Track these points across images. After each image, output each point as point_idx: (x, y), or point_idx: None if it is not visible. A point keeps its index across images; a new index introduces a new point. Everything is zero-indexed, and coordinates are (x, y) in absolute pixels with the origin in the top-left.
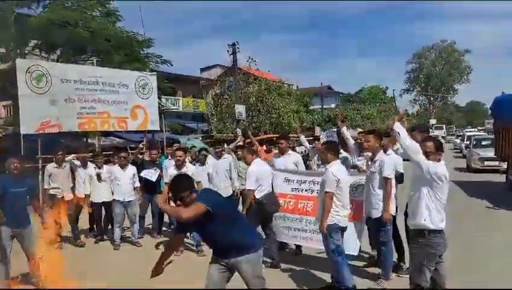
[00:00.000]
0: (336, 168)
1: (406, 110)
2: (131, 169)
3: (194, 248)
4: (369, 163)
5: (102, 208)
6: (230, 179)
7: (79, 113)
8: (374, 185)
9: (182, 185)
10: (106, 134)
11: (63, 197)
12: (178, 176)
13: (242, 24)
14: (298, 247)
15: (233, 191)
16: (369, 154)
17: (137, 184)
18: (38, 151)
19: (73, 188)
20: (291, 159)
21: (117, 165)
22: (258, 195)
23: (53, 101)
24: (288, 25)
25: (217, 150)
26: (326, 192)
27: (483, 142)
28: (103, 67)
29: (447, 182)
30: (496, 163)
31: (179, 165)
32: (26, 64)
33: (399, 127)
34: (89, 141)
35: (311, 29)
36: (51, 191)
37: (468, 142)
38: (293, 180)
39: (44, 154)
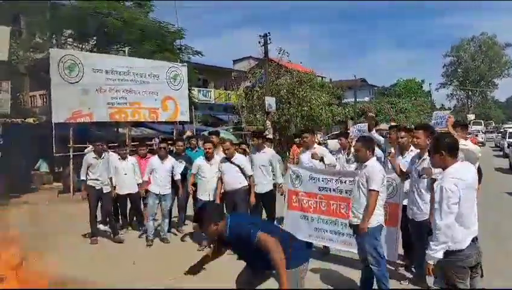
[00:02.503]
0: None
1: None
2: (170, 161)
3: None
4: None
5: (128, 200)
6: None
7: (110, 103)
8: (421, 186)
9: (205, 218)
10: (137, 124)
11: (101, 189)
12: (203, 207)
13: (274, 14)
14: (326, 246)
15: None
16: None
17: (178, 177)
18: (70, 140)
19: (111, 180)
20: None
21: (156, 156)
22: None
23: (85, 91)
24: (321, 16)
25: (253, 142)
26: (372, 190)
27: None
28: (134, 57)
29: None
30: None
31: (208, 157)
32: (59, 54)
33: None
34: (120, 131)
35: (346, 21)
36: (89, 183)
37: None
38: (319, 179)
39: (75, 144)
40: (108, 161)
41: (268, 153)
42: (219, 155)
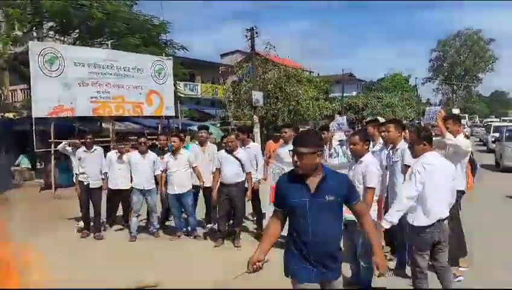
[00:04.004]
0: (375, 160)
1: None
2: (152, 156)
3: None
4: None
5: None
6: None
7: (93, 97)
8: (397, 175)
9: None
10: (122, 119)
11: (89, 183)
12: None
13: (262, 9)
14: None
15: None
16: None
17: (158, 172)
18: (51, 135)
19: (105, 175)
20: None
21: (136, 151)
22: None
23: (66, 85)
24: (309, 11)
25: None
26: (369, 188)
27: None
28: (118, 50)
29: (439, 173)
30: None
31: (174, 152)
32: (38, 47)
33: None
34: (104, 125)
35: (333, 16)
36: (80, 178)
37: (497, 135)
38: None
39: (57, 139)
40: (101, 155)
41: (253, 148)
42: (185, 150)
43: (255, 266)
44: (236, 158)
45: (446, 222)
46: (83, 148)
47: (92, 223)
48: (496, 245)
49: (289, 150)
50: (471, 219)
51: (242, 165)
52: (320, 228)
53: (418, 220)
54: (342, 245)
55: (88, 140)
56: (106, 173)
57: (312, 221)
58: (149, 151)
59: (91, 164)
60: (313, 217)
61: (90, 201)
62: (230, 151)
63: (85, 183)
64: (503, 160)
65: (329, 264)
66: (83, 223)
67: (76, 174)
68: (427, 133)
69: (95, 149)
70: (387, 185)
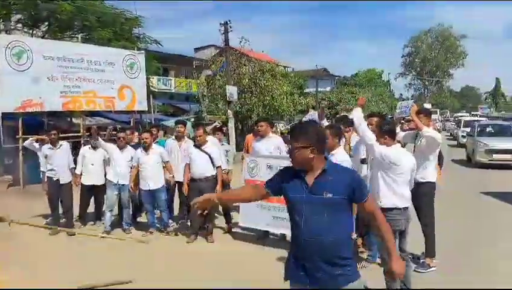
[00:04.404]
0: (346, 155)
1: (364, 97)
2: (129, 151)
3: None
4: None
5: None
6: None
7: (63, 92)
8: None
9: (309, 134)
10: (93, 114)
11: (58, 179)
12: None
13: (238, 4)
14: (283, 233)
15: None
16: None
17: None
18: (19, 131)
19: (72, 170)
20: (273, 142)
21: (115, 145)
22: None
23: (35, 79)
24: (284, 7)
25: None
26: None
27: (489, 129)
28: (89, 44)
29: (401, 164)
30: (509, 156)
31: (146, 148)
32: (5, 40)
33: (357, 114)
34: (74, 120)
35: (308, 11)
36: (47, 174)
37: (469, 129)
38: (276, 167)
39: (26, 135)
40: (68, 150)
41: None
42: (157, 145)
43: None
44: (206, 152)
45: (408, 211)
46: (48, 145)
47: (62, 220)
48: (468, 243)
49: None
50: (445, 214)
51: (212, 159)
52: (314, 227)
53: (390, 201)
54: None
55: (53, 136)
56: (74, 168)
57: (306, 219)
58: (128, 146)
59: (58, 160)
60: (307, 215)
61: (60, 197)
62: (198, 146)
63: (54, 179)
64: (475, 155)
65: (326, 269)
66: (51, 220)
67: (43, 171)
68: (390, 127)
69: (60, 145)
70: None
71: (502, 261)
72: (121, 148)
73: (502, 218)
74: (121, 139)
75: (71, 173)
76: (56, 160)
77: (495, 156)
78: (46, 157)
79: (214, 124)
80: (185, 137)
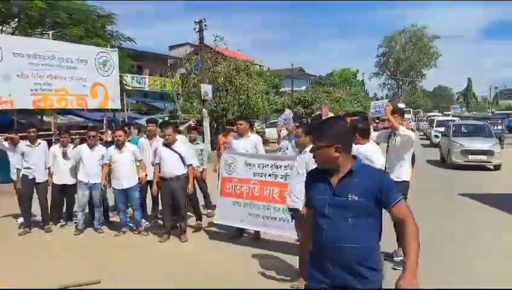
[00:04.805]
0: None
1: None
2: (100, 150)
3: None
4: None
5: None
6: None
7: (33, 89)
8: None
9: (332, 131)
10: (64, 112)
11: (34, 178)
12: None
13: (214, 2)
14: (256, 232)
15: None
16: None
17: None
18: None
19: (49, 169)
20: (251, 141)
21: (85, 144)
22: None
23: (4, 76)
24: (261, 5)
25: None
26: None
27: (464, 129)
28: (61, 41)
29: (374, 161)
30: (484, 157)
31: (119, 146)
32: None
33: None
34: (45, 119)
35: (285, 10)
36: (23, 172)
37: (442, 129)
38: (254, 165)
39: None
40: (45, 149)
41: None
42: (130, 143)
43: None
44: (175, 151)
45: None
46: (26, 142)
47: (36, 218)
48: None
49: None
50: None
51: (182, 158)
52: (336, 232)
53: None
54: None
55: (32, 134)
56: (50, 167)
57: (328, 223)
58: (99, 145)
59: (36, 158)
60: (330, 219)
61: (37, 196)
62: (168, 145)
63: (30, 177)
64: (451, 156)
65: (346, 278)
66: (22, 219)
67: (18, 169)
68: (362, 126)
69: (39, 143)
70: None
71: (478, 261)
72: (91, 146)
73: (477, 218)
74: (91, 137)
75: (48, 172)
76: (33, 158)
77: (471, 157)
78: (22, 154)
79: (188, 123)
80: (157, 136)
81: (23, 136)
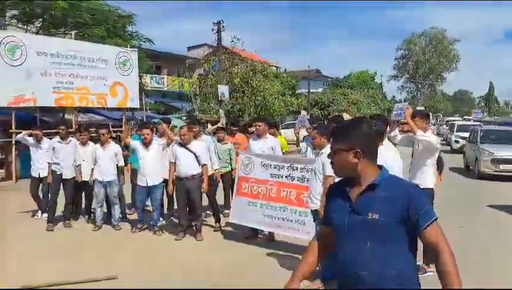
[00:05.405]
0: None
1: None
2: (114, 147)
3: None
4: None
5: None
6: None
7: (56, 87)
8: None
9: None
10: (85, 110)
11: (61, 174)
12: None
13: (233, 3)
14: (271, 233)
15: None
16: None
17: (122, 163)
18: (12, 125)
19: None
20: (268, 143)
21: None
22: None
23: (28, 74)
24: (279, 6)
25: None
26: (329, 176)
27: (493, 135)
28: (82, 41)
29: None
30: None
31: (146, 144)
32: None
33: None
34: (66, 116)
35: (303, 11)
36: (52, 167)
37: (463, 134)
38: (270, 165)
39: (19, 130)
40: (76, 146)
41: (204, 140)
42: (158, 141)
43: None
44: (191, 151)
45: None
46: (57, 138)
47: (60, 213)
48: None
49: None
50: (450, 225)
51: (197, 158)
52: (352, 258)
53: None
54: None
55: (61, 131)
56: (80, 165)
57: (345, 245)
58: (111, 142)
59: (65, 155)
60: (348, 240)
61: (64, 192)
62: (184, 145)
63: (58, 173)
64: (479, 165)
65: None
66: (46, 215)
67: (49, 163)
68: (378, 128)
69: (70, 140)
70: None
71: None
72: (102, 144)
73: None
74: (102, 135)
75: (75, 169)
76: (62, 154)
77: (502, 166)
78: (53, 150)
79: (218, 124)
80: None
81: (46, 133)
